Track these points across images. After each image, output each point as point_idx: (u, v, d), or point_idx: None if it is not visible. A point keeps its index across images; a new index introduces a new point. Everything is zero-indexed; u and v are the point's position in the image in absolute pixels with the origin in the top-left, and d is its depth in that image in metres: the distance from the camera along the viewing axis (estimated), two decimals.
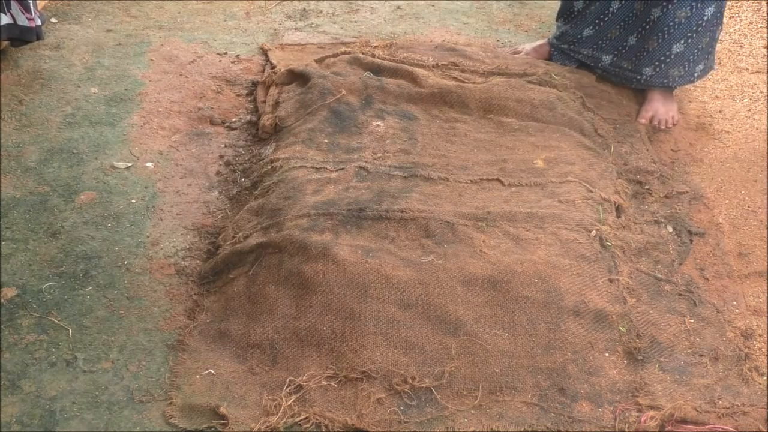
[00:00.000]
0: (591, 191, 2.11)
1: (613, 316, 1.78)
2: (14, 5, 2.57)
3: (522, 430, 1.59)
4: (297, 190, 2.09)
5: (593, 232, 1.97)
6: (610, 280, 1.86)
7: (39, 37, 2.72)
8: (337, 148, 2.30)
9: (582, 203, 2.06)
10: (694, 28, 2.41)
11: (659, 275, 1.96)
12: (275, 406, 1.63)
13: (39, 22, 2.70)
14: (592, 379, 1.69)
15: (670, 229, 2.12)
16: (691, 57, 2.46)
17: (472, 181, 2.17)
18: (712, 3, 2.39)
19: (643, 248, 2.04)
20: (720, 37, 2.57)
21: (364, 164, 2.21)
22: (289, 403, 1.64)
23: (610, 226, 2.02)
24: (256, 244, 1.93)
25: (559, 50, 2.72)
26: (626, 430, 1.58)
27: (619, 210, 2.12)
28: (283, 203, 2.05)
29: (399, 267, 1.84)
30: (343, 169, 2.19)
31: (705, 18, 2.40)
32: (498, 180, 2.18)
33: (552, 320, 1.77)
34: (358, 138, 2.33)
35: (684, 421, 1.59)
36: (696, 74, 2.51)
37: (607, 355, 1.73)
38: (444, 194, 2.10)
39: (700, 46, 2.45)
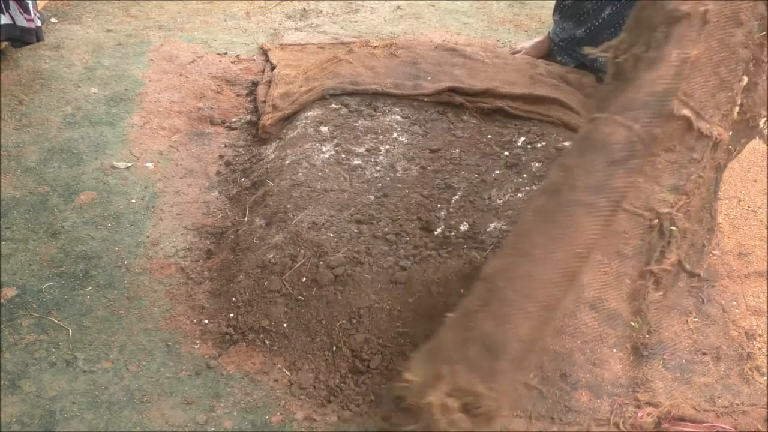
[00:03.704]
0: None
1: (627, 314, 1.77)
2: (13, 5, 2.57)
3: (517, 413, 1.59)
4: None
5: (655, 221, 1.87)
6: (636, 278, 1.83)
7: (39, 39, 2.72)
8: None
9: None
10: None
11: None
12: None
13: (39, 23, 2.70)
14: (596, 370, 1.69)
15: None
16: None
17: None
18: None
19: None
20: None
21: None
22: None
23: None
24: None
25: (559, 46, 2.72)
26: (621, 423, 1.58)
27: None
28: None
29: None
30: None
31: None
32: None
33: (569, 306, 1.76)
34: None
35: (682, 419, 1.59)
36: None
37: (614, 350, 1.73)
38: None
39: None
